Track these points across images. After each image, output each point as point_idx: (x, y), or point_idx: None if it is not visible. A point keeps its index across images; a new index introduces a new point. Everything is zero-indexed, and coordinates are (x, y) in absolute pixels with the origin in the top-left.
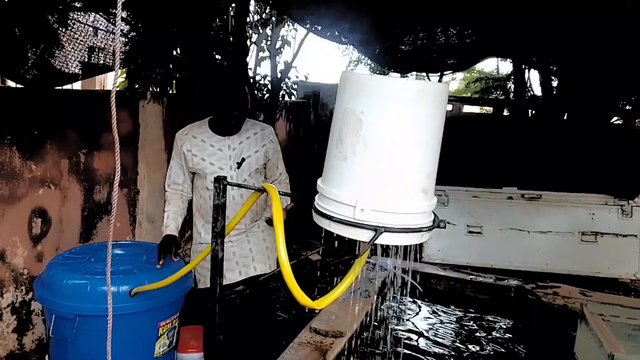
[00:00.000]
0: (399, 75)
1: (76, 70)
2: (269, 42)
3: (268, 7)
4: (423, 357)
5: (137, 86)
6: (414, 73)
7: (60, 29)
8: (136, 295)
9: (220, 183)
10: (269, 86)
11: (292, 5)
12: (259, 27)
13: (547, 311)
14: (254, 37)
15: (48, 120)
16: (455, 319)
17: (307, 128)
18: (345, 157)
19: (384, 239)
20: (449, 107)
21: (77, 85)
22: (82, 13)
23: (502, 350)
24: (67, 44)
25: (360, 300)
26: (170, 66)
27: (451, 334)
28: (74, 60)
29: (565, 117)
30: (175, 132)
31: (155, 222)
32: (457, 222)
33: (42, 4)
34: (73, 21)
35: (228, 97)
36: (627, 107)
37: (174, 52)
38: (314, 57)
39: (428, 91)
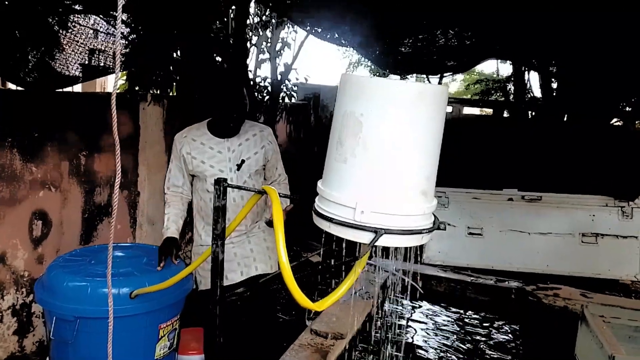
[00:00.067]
0: (398, 77)
1: (76, 73)
2: (269, 44)
3: (268, 10)
4: (423, 358)
5: (137, 88)
6: (414, 75)
7: (61, 31)
8: (137, 297)
9: (221, 185)
10: (269, 88)
11: (292, 7)
12: (259, 30)
13: (547, 313)
14: (254, 39)
15: (48, 123)
16: (455, 321)
17: (307, 130)
18: (345, 159)
19: (384, 241)
20: (449, 109)
21: (77, 88)
22: (82, 15)
23: (503, 351)
24: (67, 47)
25: (360, 301)
26: (171, 68)
27: (452, 335)
28: (75, 63)
29: (565, 119)
30: (175, 134)
31: (155, 224)
32: (457, 224)
33: (42, 7)
34: (73, 24)
35: (227, 99)
36: (627, 109)
37: (175, 55)
38: (314, 59)
39: (428, 93)
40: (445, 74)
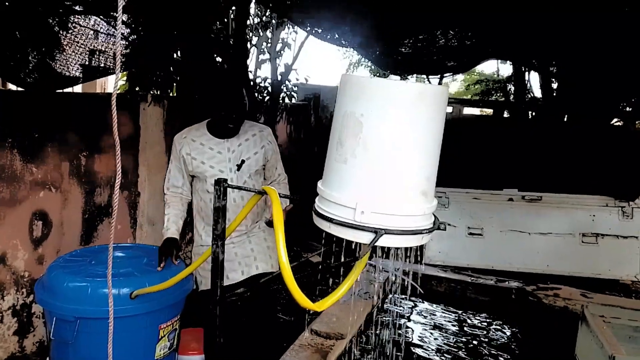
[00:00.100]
0: (398, 77)
1: (77, 74)
2: (269, 45)
3: (268, 10)
4: (424, 359)
5: (137, 89)
6: (414, 75)
7: (61, 32)
8: (137, 297)
9: (221, 185)
10: (269, 89)
11: (293, 8)
12: (260, 30)
13: (548, 313)
14: (255, 39)
15: (49, 123)
16: (456, 321)
17: (307, 130)
18: (346, 159)
19: (384, 241)
20: (449, 109)
21: (77, 89)
22: (82, 16)
23: (503, 351)
24: (67, 47)
25: (361, 302)
26: (171, 69)
27: (452, 335)
28: (75, 64)
29: (565, 119)
30: (175, 135)
31: (155, 225)
32: (457, 224)
33: (43, 7)
34: (74, 24)
35: (226, 100)
36: (628, 109)
37: (175, 55)
38: (314, 59)
39: (428, 94)
40: (445, 75)
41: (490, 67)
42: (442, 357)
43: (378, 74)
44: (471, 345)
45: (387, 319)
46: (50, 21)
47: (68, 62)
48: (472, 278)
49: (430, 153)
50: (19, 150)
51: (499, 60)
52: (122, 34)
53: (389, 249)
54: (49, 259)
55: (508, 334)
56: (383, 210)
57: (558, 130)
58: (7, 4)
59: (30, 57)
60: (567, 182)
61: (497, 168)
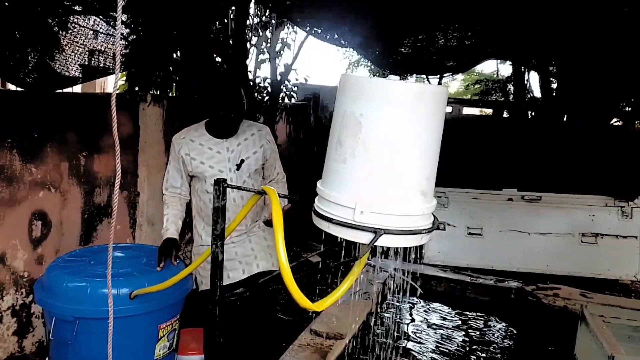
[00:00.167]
0: (398, 77)
1: (76, 74)
2: (268, 45)
3: (268, 10)
4: (423, 359)
5: (137, 89)
6: (414, 75)
7: (61, 32)
8: (136, 297)
9: (220, 186)
10: (269, 89)
11: (292, 8)
12: (259, 30)
13: (547, 313)
14: (254, 39)
15: (48, 123)
16: (455, 321)
17: (307, 130)
18: (345, 159)
19: (384, 241)
20: (449, 109)
21: (77, 89)
22: (82, 16)
23: (503, 351)
24: (67, 47)
25: (360, 302)
26: (171, 69)
27: (451, 335)
28: (74, 64)
29: (565, 119)
30: (174, 135)
31: (155, 225)
32: (457, 224)
33: (42, 7)
34: (73, 24)
35: (224, 99)
36: (627, 109)
37: (174, 55)
38: (313, 59)
39: (427, 94)
40: (445, 74)
41: (489, 67)
42: (442, 357)
43: (377, 74)
44: (471, 345)
45: (386, 318)
46: (50, 21)
47: (67, 62)
48: (472, 278)
49: (430, 153)
50: (18, 150)
51: (499, 60)
52: (122, 34)
53: (388, 249)
54: (48, 259)
55: (507, 333)
56: (382, 210)
57: (558, 130)
58: (6, 4)
59: (29, 57)
60: (567, 182)
61: (497, 168)
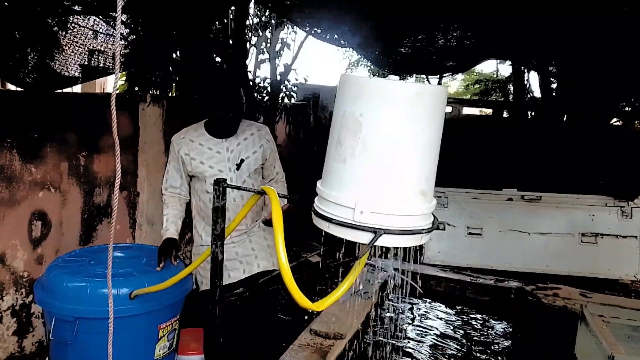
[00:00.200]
0: (398, 77)
1: (76, 74)
2: (268, 45)
3: (268, 10)
4: (423, 359)
5: (136, 89)
6: (414, 75)
7: (60, 32)
8: (136, 297)
9: (220, 186)
10: (269, 88)
11: (292, 8)
12: (259, 30)
13: (547, 312)
14: (254, 39)
15: (48, 123)
16: (455, 321)
17: (306, 130)
18: (345, 159)
19: (384, 241)
20: (449, 109)
21: (77, 89)
22: (82, 16)
23: (503, 351)
24: (67, 47)
25: (360, 302)
26: (170, 69)
27: (451, 335)
28: (74, 64)
29: (564, 119)
30: (173, 135)
31: (155, 225)
32: (457, 224)
33: (42, 7)
34: (73, 24)
35: (223, 99)
36: (627, 109)
37: (174, 55)
38: (313, 59)
39: (427, 94)
40: (444, 74)
41: (489, 67)
42: (441, 357)
43: (377, 74)
44: (470, 345)
45: (386, 316)
46: (50, 21)
47: (67, 62)
48: (472, 278)
49: (430, 153)
50: (18, 151)
51: (498, 60)
52: (122, 34)
53: (388, 248)
54: (48, 259)
55: (507, 333)
56: (382, 210)
57: (558, 130)
58: (6, 4)
59: (29, 57)
60: (567, 182)
61: (497, 168)
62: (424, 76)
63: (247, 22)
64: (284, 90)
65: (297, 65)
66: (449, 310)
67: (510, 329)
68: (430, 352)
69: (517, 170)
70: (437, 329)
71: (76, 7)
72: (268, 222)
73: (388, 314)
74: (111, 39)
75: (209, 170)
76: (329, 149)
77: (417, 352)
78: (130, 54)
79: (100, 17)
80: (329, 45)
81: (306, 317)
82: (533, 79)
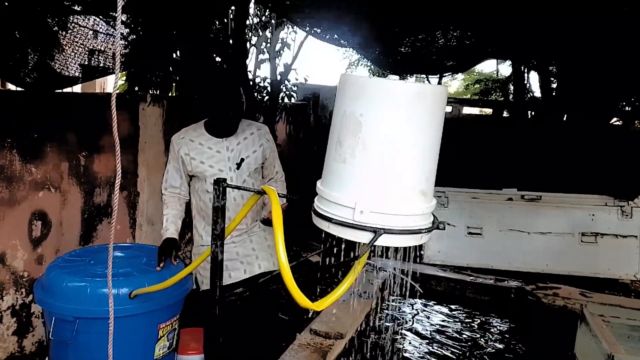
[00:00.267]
0: (398, 77)
1: (76, 73)
2: (268, 45)
3: (267, 10)
4: (423, 359)
5: (136, 89)
6: (414, 75)
7: (60, 32)
8: (136, 297)
9: (220, 185)
10: (269, 88)
11: (292, 8)
12: (259, 30)
13: (547, 312)
14: (254, 39)
15: (48, 123)
16: (455, 320)
17: (306, 130)
18: (345, 159)
19: (383, 241)
20: (449, 109)
21: (77, 88)
22: (82, 16)
23: (503, 351)
24: (67, 47)
25: (360, 301)
26: (170, 69)
27: (451, 335)
28: (74, 63)
29: (564, 119)
30: (173, 135)
31: (155, 225)
32: (457, 224)
33: (42, 7)
34: (73, 24)
35: (223, 99)
36: (627, 108)
37: (174, 55)
38: (313, 59)
39: (427, 93)
40: (444, 74)
41: (489, 67)
42: (441, 357)
43: (377, 74)
44: (470, 345)
45: (386, 316)
46: (50, 21)
47: (67, 62)
48: (472, 277)
49: (430, 152)
50: (18, 150)
51: (498, 60)
52: (122, 33)
53: (388, 248)
54: (48, 258)
55: (507, 333)
56: (382, 209)
57: (557, 130)
58: (6, 3)
59: (29, 57)
60: (567, 182)
61: (497, 168)
62: (424, 76)
63: (247, 22)
64: (284, 90)
65: (297, 65)
66: (449, 310)
67: (510, 329)
68: (430, 351)
69: (517, 169)
70: (436, 328)
71: (76, 7)
72: (266, 222)
73: (388, 314)
74: (111, 38)
75: (209, 169)
76: (329, 148)
77: (417, 352)
78: (130, 54)
79: (100, 16)
80: (329, 45)
81: (306, 317)
82: (533, 79)
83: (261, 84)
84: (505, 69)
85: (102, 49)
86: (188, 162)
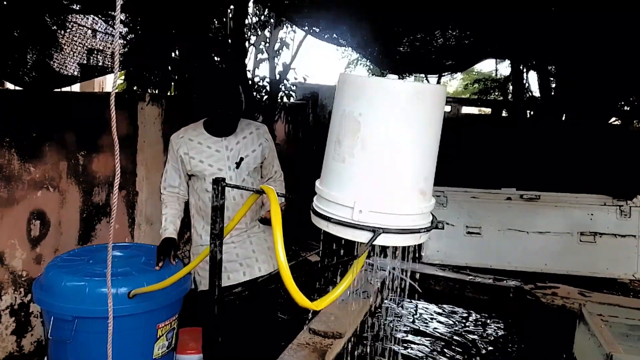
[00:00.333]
0: (397, 76)
1: (75, 73)
2: (267, 44)
3: (266, 10)
4: (422, 358)
5: (135, 88)
6: (413, 74)
7: (59, 31)
8: (135, 296)
9: (219, 185)
10: (268, 88)
11: (291, 7)
12: (258, 29)
13: (546, 311)
14: (253, 39)
15: (47, 123)
16: (454, 320)
17: (305, 129)
18: (344, 158)
19: (382, 240)
20: (448, 108)
21: (75, 88)
22: (80, 15)
23: (501, 350)
24: (65, 46)
25: (359, 301)
26: (169, 68)
27: (450, 334)
28: (73, 63)
29: (563, 118)
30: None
31: (154, 224)
32: (456, 223)
33: (41, 6)
34: (72, 23)
35: (222, 98)
36: (626, 108)
37: (173, 54)
38: (312, 58)
39: (426, 93)
40: (443, 73)
41: (488, 66)
42: (440, 356)
43: (376, 73)
44: (469, 344)
45: (384, 317)
46: (48, 20)
47: (66, 61)
48: (470, 277)
49: (429, 152)
50: (16, 150)
51: (498, 60)
52: (120, 33)
53: (387, 247)
54: (47, 258)
55: (506, 332)
56: (381, 209)
57: (556, 130)
58: (5, 3)
59: (28, 56)
60: (565, 181)
61: (496, 167)
62: (423, 75)
63: (246, 22)
64: (283, 89)
65: (296, 65)
66: (448, 310)
67: (509, 328)
68: (429, 351)
69: (516, 169)
70: (435, 328)
71: (75, 6)
72: (265, 221)
73: (387, 313)
74: (110, 37)
75: (208, 169)
76: (328, 148)
77: (416, 351)
78: (129, 53)
79: (99, 16)
80: (328, 45)
81: (305, 317)
82: (532, 79)
83: (260, 84)
84: (505, 68)
85: (101, 48)
86: (187, 162)
